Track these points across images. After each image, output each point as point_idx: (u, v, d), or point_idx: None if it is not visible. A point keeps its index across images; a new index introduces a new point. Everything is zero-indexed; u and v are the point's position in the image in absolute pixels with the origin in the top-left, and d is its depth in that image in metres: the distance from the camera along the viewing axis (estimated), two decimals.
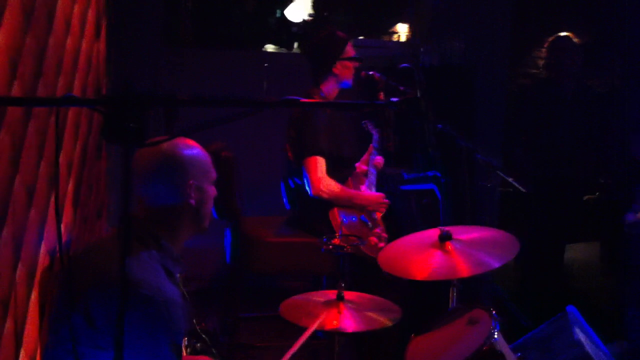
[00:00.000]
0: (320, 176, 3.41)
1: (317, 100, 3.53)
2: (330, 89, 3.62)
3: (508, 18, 5.63)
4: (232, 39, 5.86)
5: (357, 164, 3.86)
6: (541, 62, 5.73)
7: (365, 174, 3.77)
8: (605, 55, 5.81)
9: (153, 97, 1.45)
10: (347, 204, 3.47)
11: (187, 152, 2.06)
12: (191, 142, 2.09)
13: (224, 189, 3.41)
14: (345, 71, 3.61)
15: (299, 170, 3.50)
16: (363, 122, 3.90)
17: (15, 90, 1.80)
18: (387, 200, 3.60)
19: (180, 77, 5.20)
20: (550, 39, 5.03)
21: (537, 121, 4.87)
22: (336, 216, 3.41)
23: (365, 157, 3.89)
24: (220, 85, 5.23)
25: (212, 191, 2.15)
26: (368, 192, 3.61)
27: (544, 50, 5.61)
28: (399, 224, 3.78)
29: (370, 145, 3.86)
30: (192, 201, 2.05)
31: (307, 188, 3.44)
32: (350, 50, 3.61)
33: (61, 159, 2.22)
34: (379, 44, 6.04)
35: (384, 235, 3.51)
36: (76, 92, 2.46)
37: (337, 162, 3.54)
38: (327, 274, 3.60)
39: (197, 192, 2.06)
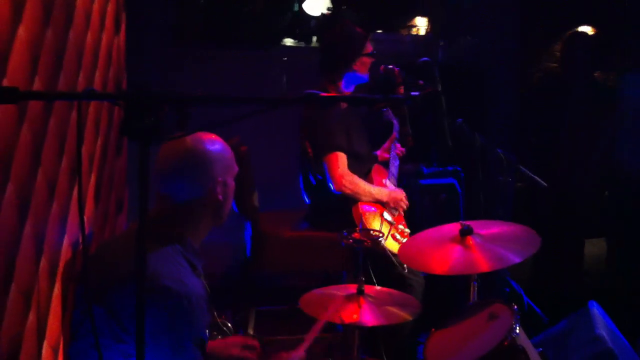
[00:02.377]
0: (341, 172, 3.41)
1: (336, 95, 3.52)
2: (347, 84, 3.62)
3: (519, 11, 5.59)
4: (249, 33, 5.85)
5: (378, 152, 3.85)
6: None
7: (387, 164, 3.76)
8: (615, 48, 5.75)
9: (173, 95, 1.46)
10: (369, 199, 3.47)
11: (212, 147, 2.05)
12: (214, 136, 2.09)
13: (243, 184, 3.42)
14: (362, 67, 3.60)
15: (319, 167, 3.49)
16: (384, 109, 3.88)
17: (36, 85, 1.81)
18: (405, 201, 3.58)
19: (197, 73, 5.18)
20: (568, 33, 4.99)
21: (551, 116, 4.85)
22: (360, 211, 3.41)
23: (387, 144, 3.88)
24: (238, 80, 5.22)
25: (233, 185, 2.15)
26: (390, 188, 3.60)
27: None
28: (414, 219, 3.77)
29: (393, 134, 3.85)
30: (220, 196, 2.05)
31: (329, 184, 3.43)
32: (368, 46, 3.60)
33: (82, 154, 2.23)
34: (397, 38, 6.00)
35: (407, 230, 3.50)
36: (96, 86, 2.47)
37: (353, 157, 3.53)
38: (345, 269, 3.60)
39: (223, 187, 2.06)
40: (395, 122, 3.85)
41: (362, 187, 3.46)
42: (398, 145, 3.84)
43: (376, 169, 3.72)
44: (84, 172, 2.28)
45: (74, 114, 2.13)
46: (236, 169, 2.15)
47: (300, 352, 2.25)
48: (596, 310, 3.29)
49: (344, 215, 3.42)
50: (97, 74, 2.50)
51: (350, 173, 3.44)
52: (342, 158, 3.44)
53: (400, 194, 3.56)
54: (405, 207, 3.57)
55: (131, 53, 3.28)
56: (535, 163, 4.92)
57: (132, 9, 3.29)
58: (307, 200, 3.75)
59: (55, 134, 1.97)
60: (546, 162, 4.90)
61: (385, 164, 3.80)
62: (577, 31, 5.03)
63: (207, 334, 2.03)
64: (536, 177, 3.75)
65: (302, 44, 5.70)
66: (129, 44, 3.14)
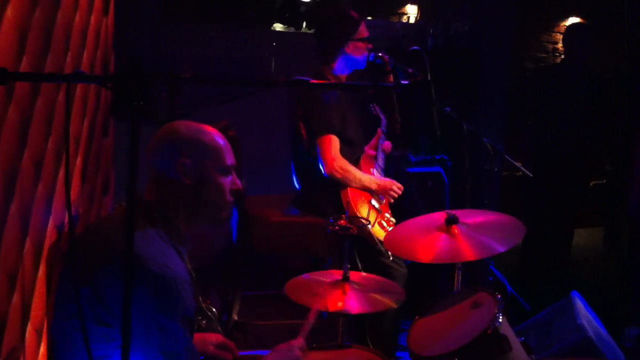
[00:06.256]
0: (333, 155, 3.41)
1: (326, 82, 3.52)
2: (342, 68, 3.60)
3: (514, 1, 5.60)
4: (239, 16, 5.82)
5: (365, 148, 3.85)
6: (550, 47, 5.70)
7: (374, 158, 3.76)
8: (610, 39, 5.78)
9: (162, 75, 1.45)
10: (358, 186, 3.47)
11: (189, 130, 2.03)
12: (204, 126, 2.05)
13: None
14: (356, 52, 3.58)
15: (311, 149, 3.49)
16: (371, 105, 3.88)
17: (24, 66, 1.80)
18: (396, 191, 3.59)
19: (185, 53, 5.16)
20: (567, 25, 5.00)
21: (545, 106, 4.87)
22: (348, 196, 3.41)
23: (373, 141, 3.88)
24: (226, 63, 5.20)
25: (225, 181, 2.06)
26: (379, 177, 3.61)
27: (553, 35, 5.59)
28: (402, 206, 3.79)
29: (379, 129, 3.85)
30: (187, 181, 2.00)
31: (320, 167, 3.44)
32: (363, 31, 3.58)
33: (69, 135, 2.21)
34: (387, 25, 6.00)
35: (392, 219, 3.52)
36: (84, 68, 2.45)
37: (346, 143, 3.54)
38: (331, 255, 3.61)
39: (195, 172, 2.00)
40: (382, 117, 3.85)
41: (353, 172, 3.47)
42: (386, 142, 3.84)
43: (364, 158, 3.72)
44: (70, 153, 2.26)
45: (61, 95, 2.11)
46: (226, 163, 2.06)
47: (300, 341, 2.25)
48: (578, 301, 3.33)
49: (333, 199, 3.43)
50: (85, 55, 2.48)
51: (341, 157, 3.44)
52: (335, 141, 3.44)
53: (390, 184, 3.58)
54: (395, 195, 3.58)
55: (121, 29, 3.25)
56: (522, 152, 4.96)
57: None
58: (297, 185, 3.74)
59: (42, 114, 1.96)
60: (534, 151, 4.92)
61: (373, 158, 3.81)
62: (577, 22, 5.04)
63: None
64: (522, 168, 3.77)
65: (292, 29, 5.69)
66: (119, 20, 3.11)
